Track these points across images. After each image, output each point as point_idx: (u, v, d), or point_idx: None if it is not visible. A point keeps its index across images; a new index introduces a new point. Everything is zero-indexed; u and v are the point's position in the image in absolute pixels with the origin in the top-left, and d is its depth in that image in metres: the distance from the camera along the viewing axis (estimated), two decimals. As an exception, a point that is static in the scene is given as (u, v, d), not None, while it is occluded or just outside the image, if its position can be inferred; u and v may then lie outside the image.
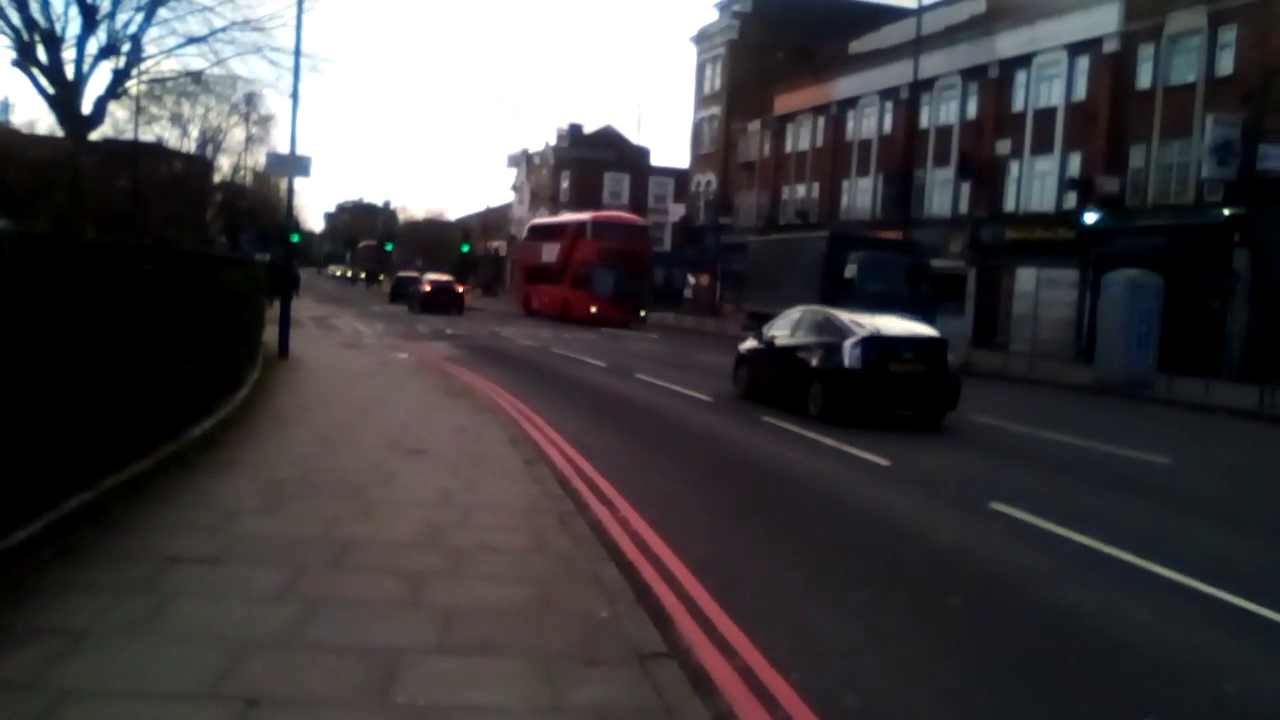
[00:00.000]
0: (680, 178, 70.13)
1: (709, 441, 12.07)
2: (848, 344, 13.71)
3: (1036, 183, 35.44)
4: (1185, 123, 29.72)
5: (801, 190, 49.74)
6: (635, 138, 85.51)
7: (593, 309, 40.49)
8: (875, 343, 13.70)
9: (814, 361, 14.18)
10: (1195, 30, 29.66)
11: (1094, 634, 5.65)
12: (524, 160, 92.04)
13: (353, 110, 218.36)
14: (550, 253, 45.73)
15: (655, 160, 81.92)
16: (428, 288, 44.90)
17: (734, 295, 55.57)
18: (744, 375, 16.45)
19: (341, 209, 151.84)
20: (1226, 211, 27.84)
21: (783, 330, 15.81)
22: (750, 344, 16.57)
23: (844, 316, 14.68)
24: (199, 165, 59.19)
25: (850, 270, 25.40)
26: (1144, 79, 31.47)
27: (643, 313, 41.99)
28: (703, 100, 61.38)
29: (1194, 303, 28.33)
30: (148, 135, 47.09)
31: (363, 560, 5.80)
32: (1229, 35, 28.75)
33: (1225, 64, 28.88)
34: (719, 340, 34.24)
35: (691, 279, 62.02)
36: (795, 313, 16.05)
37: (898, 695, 4.64)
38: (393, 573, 5.57)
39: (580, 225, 44.03)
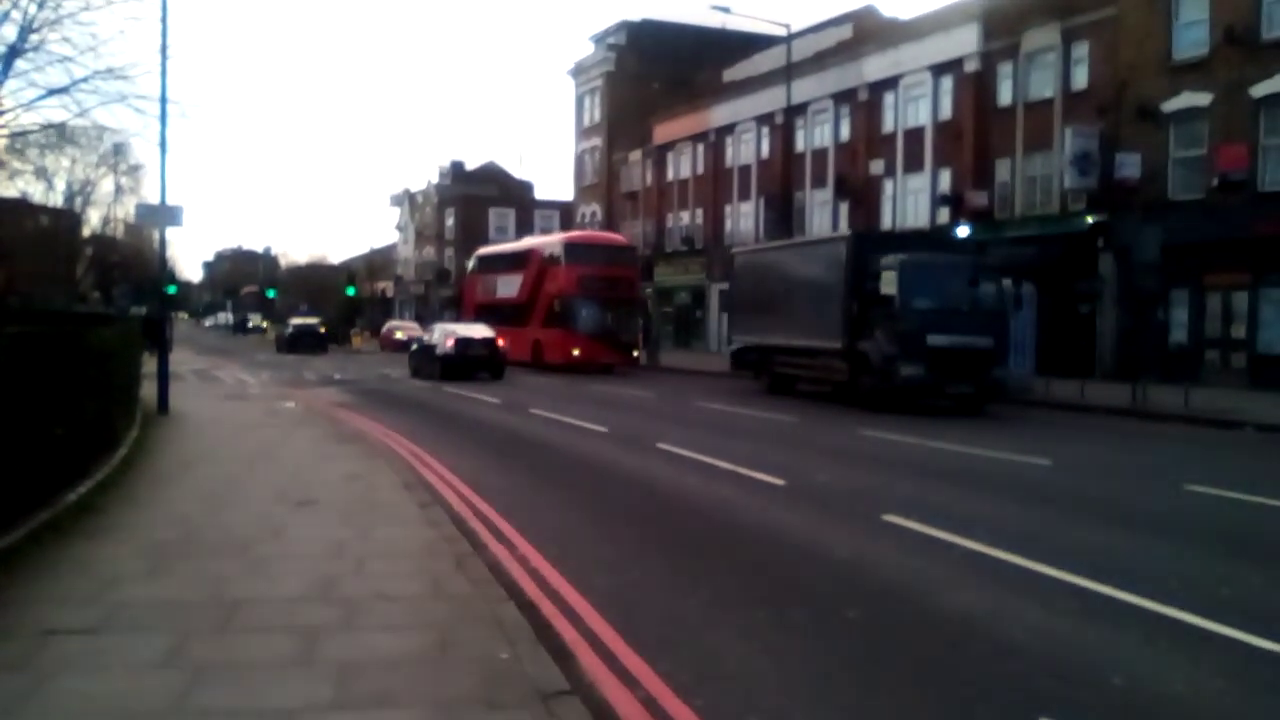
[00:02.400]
0: (566, 210, 70.35)
1: (607, 473, 12.07)
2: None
3: (911, 200, 36.52)
4: (1046, 136, 31.02)
5: (686, 217, 50.34)
6: (518, 172, 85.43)
7: (575, 351, 32.97)
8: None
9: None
10: (1050, 47, 31.03)
11: (986, 636, 5.80)
12: (407, 199, 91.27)
13: (226, 155, 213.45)
14: (509, 286, 38.33)
15: (539, 194, 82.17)
16: (290, 329, 50.29)
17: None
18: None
19: (220, 257, 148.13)
20: (1090, 219, 29.10)
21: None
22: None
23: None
24: (67, 219, 57.04)
25: (889, 282, 19.18)
26: (1005, 96, 32.75)
27: (636, 351, 34.79)
28: (583, 132, 61.75)
29: (1065, 308, 29.50)
30: (10, 191, 45.24)
31: (252, 620, 5.63)
32: (1082, 50, 30.16)
33: (1080, 78, 30.26)
34: (610, 372, 34.27)
35: (583, 310, 62.05)
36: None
37: (799, 713, 4.69)
38: (284, 630, 5.42)
39: (549, 250, 36.63)
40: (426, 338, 32.63)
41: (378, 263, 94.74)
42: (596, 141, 59.88)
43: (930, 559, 7.64)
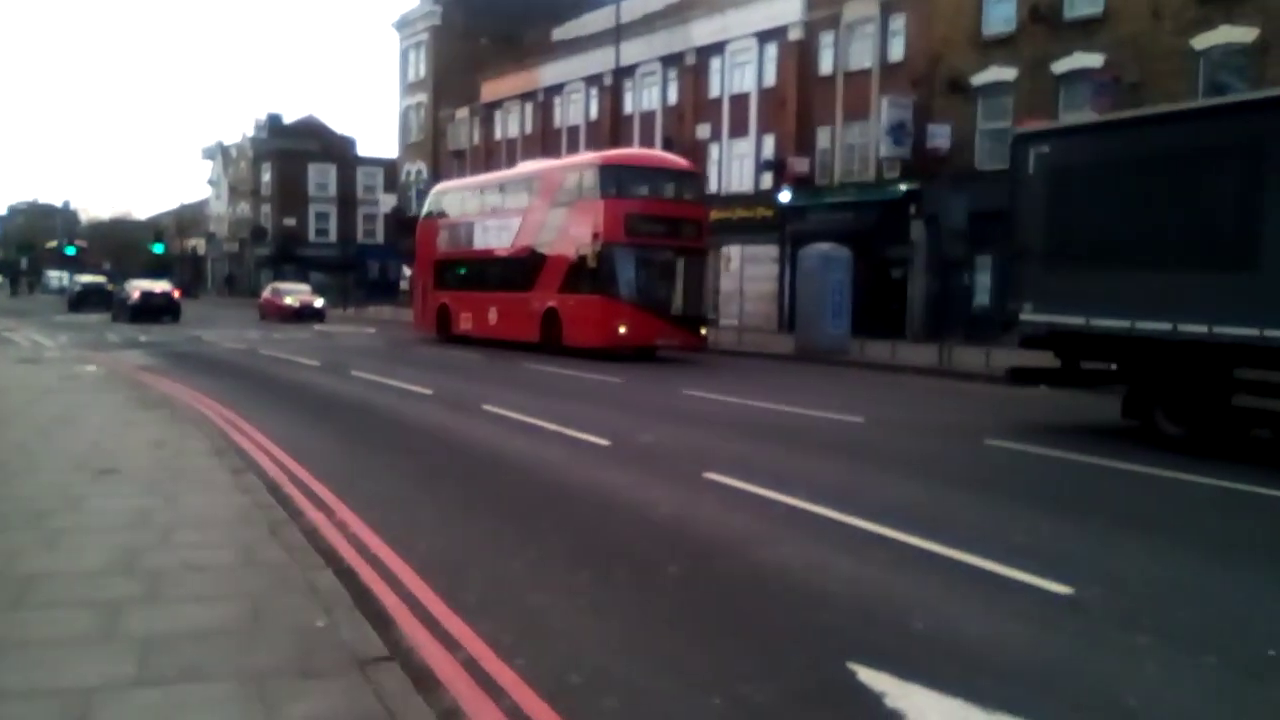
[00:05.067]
0: (390, 167, 68.65)
1: (431, 435, 11.89)
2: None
3: (736, 164, 37.22)
4: (864, 105, 32.09)
5: (514, 177, 49.80)
6: (339, 127, 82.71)
7: (620, 328, 22.62)
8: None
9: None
10: (869, 19, 32.03)
11: (800, 588, 6.01)
12: (220, 152, 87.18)
13: (18, 104, 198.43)
14: (498, 233, 27.20)
15: (362, 150, 79.80)
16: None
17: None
18: None
19: (14, 211, 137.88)
20: (903, 187, 30.34)
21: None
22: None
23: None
24: None
25: None
26: (826, 65, 33.68)
27: (704, 329, 24.38)
28: (408, 87, 60.26)
29: (880, 272, 30.73)
30: None
31: (48, 595, 5.30)
32: (899, 23, 31.28)
33: (897, 50, 31.41)
34: (439, 331, 33.79)
35: (407, 270, 60.83)
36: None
37: (620, 668, 4.75)
38: (83, 605, 5.12)
39: (574, 177, 24.86)
40: (123, 292, 40.93)
41: (188, 219, 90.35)
42: (422, 98, 58.55)
43: (750, 515, 7.85)
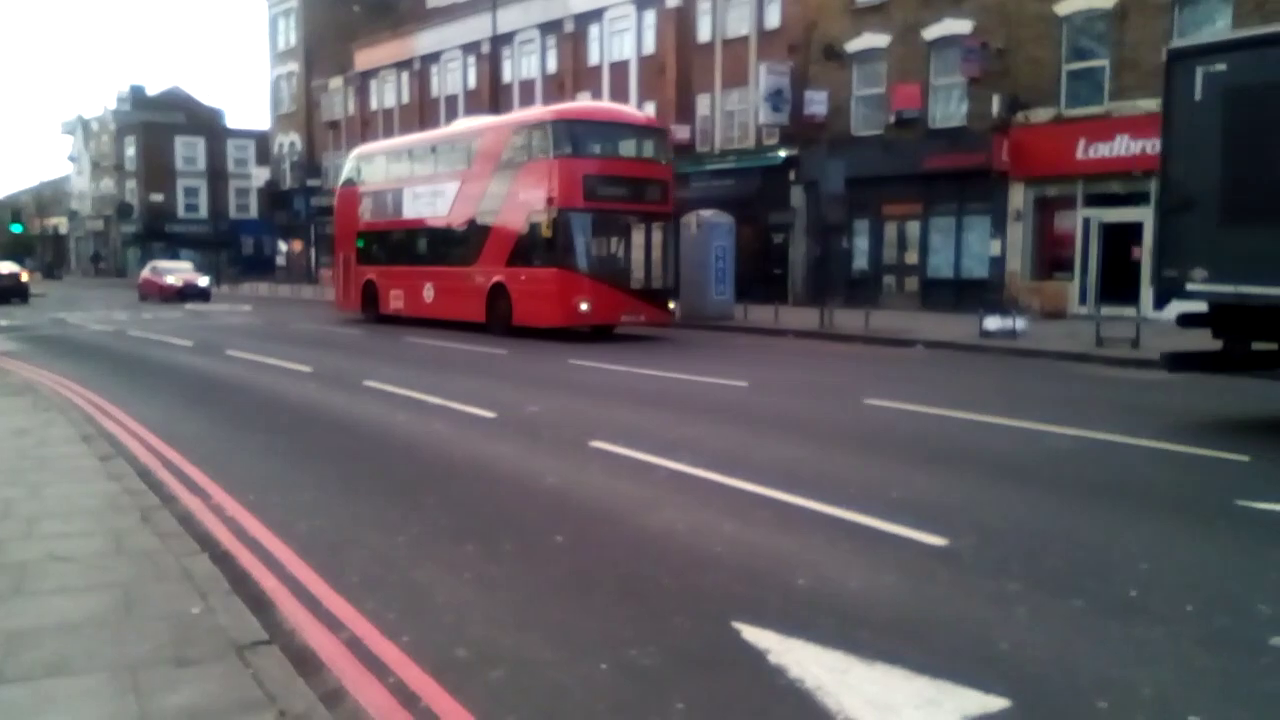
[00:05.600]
0: (261, 139, 66.58)
1: (311, 414, 11.63)
2: None
3: (617, 133, 37.10)
4: (742, 73, 32.32)
5: (392, 148, 48.82)
6: (207, 98, 79.89)
7: (581, 305, 20.36)
8: None
9: None
10: (744, -14, 32.19)
11: (685, 551, 6.07)
12: (80, 126, 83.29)
13: None
14: (434, 200, 24.56)
15: (232, 122, 77.31)
16: None
17: (330, 260, 53.83)
18: None
19: None
20: (783, 153, 30.71)
21: None
22: None
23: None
24: None
25: None
26: (704, 32, 33.80)
27: (672, 304, 22.32)
28: (279, 56, 58.40)
29: (762, 238, 31.12)
30: None
31: (-102, 594, 5.03)
32: (774, -10, 31.53)
33: (773, 18, 31.67)
34: (317, 308, 33.09)
35: (283, 245, 59.27)
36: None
37: (507, 639, 4.74)
38: (-62, 603, 4.88)
39: (524, 134, 22.08)
40: None
41: (48, 197, 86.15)
42: (293, 67, 56.84)
43: (635, 481, 7.90)
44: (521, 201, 21.29)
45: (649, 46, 35.57)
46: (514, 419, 10.84)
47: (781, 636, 4.63)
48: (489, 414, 10.99)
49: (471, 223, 23.09)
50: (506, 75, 41.18)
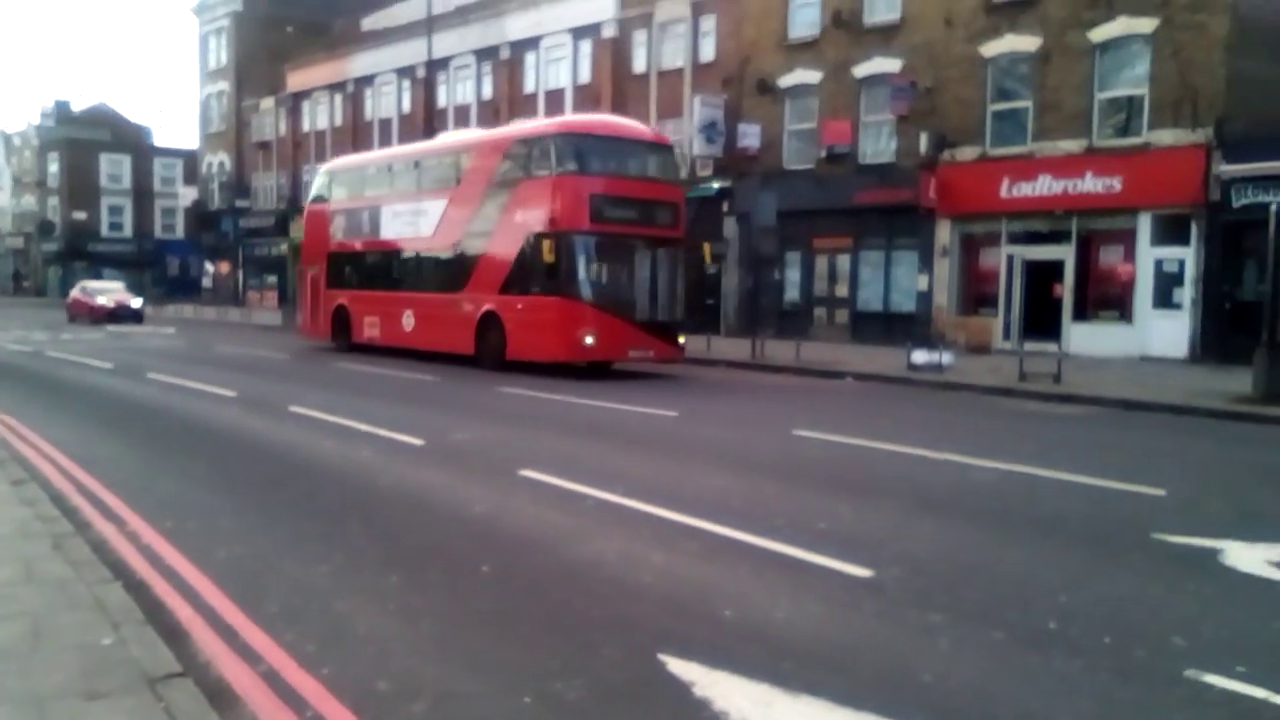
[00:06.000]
0: (190, 159, 65.52)
1: (233, 439, 11.38)
2: None
3: (552, 161, 37.16)
4: (677, 104, 32.61)
5: (324, 170, 48.38)
6: (134, 115, 78.53)
7: (586, 338, 18.40)
8: None
9: None
10: (680, 19, 32.57)
11: (614, 581, 6.04)
12: (2, 141, 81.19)
13: None
14: (417, 220, 22.73)
15: (160, 140, 75.92)
16: None
17: (258, 282, 53.07)
18: None
19: None
20: (716, 185, 30.99)
21: None
22: None
23: None
24: None
25: None
26: (640, 63, 34.06)
27: (682, 338, 20.25)
28: (209, 75, 57.60)
29: (697, 268, 31.27)
30: None
31: None
32: (709, 24, 31.94)
33: (708, 51, 32.05)
34: (245, 331, 32.54)
35: (210, 267, 58.22)
36: None
37: (430, 671, 4.66)
38: None
39: (524, 147, 20.31)
40: None
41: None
42: (224, 86, 56.08)
43: (564, 511, 7.85)
44: (518, 223, 19.48)
45: (585, 75, 35.74)
46: (443, 447, 10.73)
47: (707, 669, 4.62)
48: (417, 441, 10.87)
49: (459, 245, 21.26)
50: (442, 100, 41.06)
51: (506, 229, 19.80)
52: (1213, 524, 7.71)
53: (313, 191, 27.67)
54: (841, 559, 6.40)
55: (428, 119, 40.58)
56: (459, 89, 40.84)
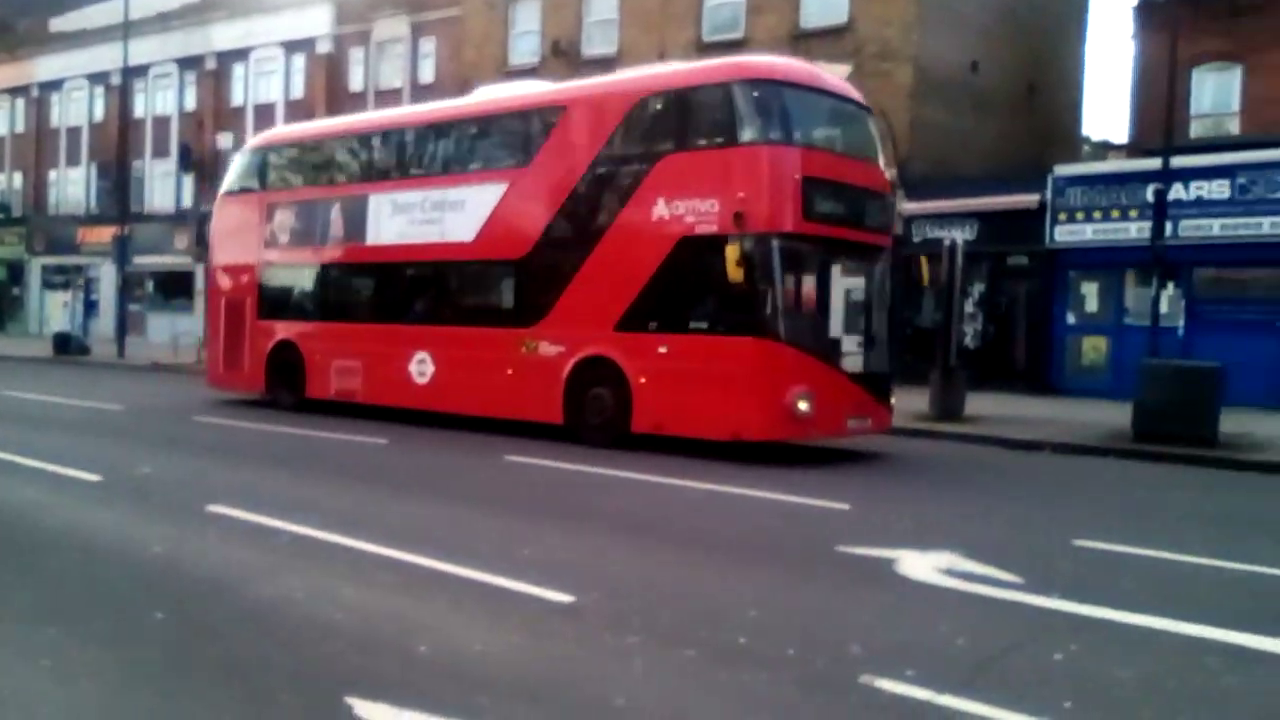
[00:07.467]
0: None
1: None
2: None
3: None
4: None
5: (2, 180, 44.09)
6: None
7: (799, 402, 11.77)
8: None
9: None
10: (400, 38, 32.12)
11: (301, 621, 5.70)
12: None
13: None
14: (441, 217, 15.33)
15: None
16: None
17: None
18: None
19: None
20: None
21: None
22: None
23: None
24: None
25: None
26: (357, 81, 33.29)
27: (894, 398, 13.58)
28: None
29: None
30: None
31: None
32: (429, 46, 31.67)
33: (427, 72, 31.75)
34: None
35: None
36: None
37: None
38: None
39: (677, 104, 13.21)
40: None
41: None
42: (-120, 82, 49.97)
43: (254, 548, 7.38)
44: (657, 221, 12.78)
45: (298, 90, 34.50)
46: (122, 482, 9.87)
47: (396, 709, 4.41)
48: (93, 477, 9.94)
49: (531, 255, 14.25)
50: (139, 109, 38.40)
51: (632, 230, 13.11)
52: (890, 535, 8.26)
53: (231, 177, 19.40)
54: (543, 585, 6.33)
55: (122, 130, 37.87)
56: (158, 98, 38.42)
